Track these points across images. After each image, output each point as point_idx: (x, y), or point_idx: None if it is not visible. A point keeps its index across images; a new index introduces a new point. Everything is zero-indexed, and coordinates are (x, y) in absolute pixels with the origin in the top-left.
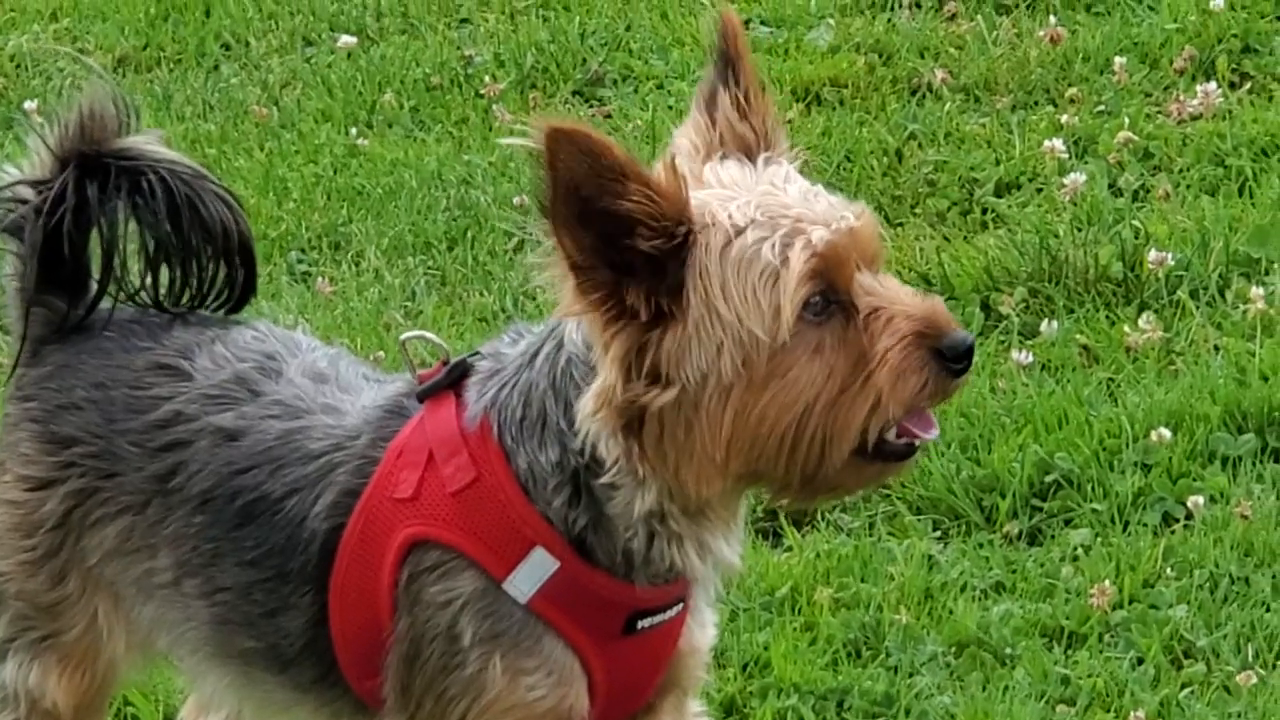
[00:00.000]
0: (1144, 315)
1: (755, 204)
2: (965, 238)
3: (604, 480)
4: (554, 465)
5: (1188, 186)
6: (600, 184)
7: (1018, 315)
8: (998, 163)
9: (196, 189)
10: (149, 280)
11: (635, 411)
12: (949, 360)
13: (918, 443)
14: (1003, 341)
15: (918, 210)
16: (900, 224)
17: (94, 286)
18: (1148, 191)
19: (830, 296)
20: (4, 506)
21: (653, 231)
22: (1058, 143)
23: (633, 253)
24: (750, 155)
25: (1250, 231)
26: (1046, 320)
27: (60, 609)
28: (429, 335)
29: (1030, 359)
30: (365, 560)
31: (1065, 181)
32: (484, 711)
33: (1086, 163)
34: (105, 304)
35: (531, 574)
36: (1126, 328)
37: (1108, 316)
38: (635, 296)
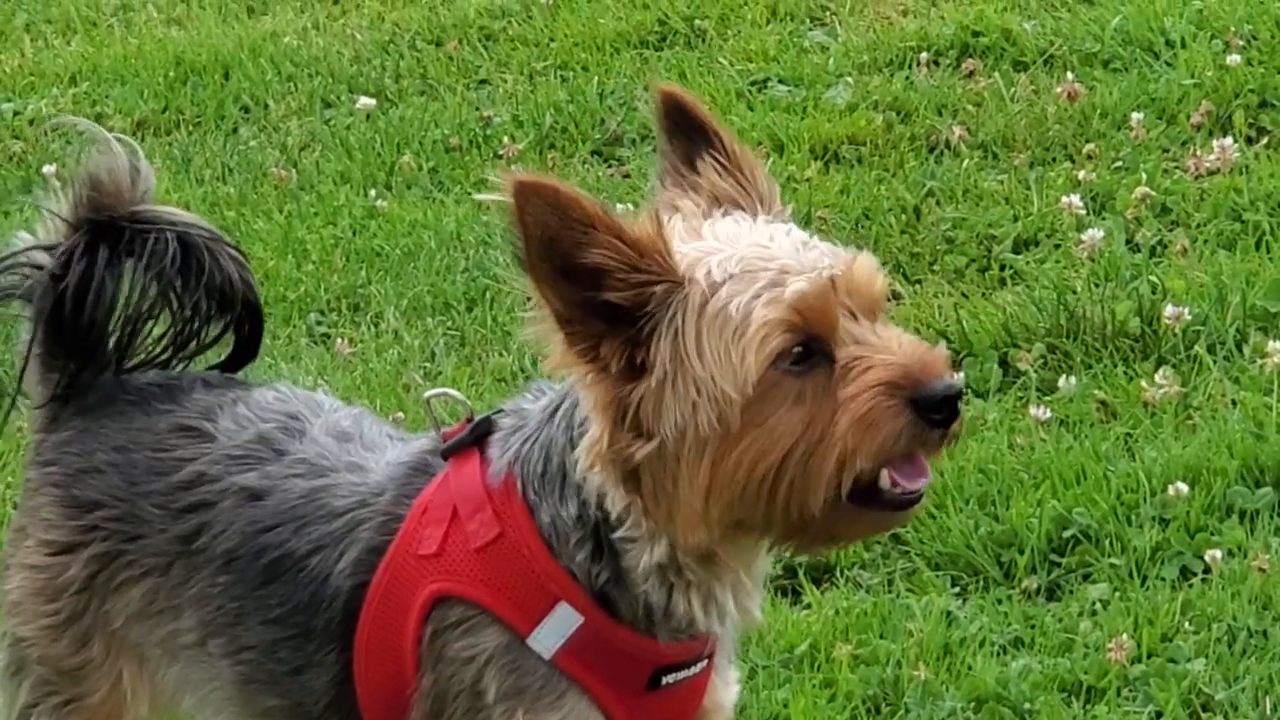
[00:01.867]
0: (1161, 370)
1: (738, 258)
2: (983, 294)
3: (619, 534)
4: (574, 520)
5: (1205, 242)
6: (571, 236)
7: (1036, 371)
8: (1016, 219)
9: (211, 251)
10: (138, 340)
11: (626, 464)
12: (925, 410)
13: (912, 492)
14: (1021, 398)
15: (936, 267)
16: (918, 281)
17: (103, 350)
18: (1165, 247)
19: (813, 346)
20: (26, 572)
21: (625, 284)
22: (1075, 199)
23: (610, 305)
24: (748, 211)
25: (1267, 286)
26: (1064, 376)
27: (84, 673)
28: (452, 393)
29: (1048, 415)
30: (389, 617)
31: (1083, 238)
32: None
33: (1104, 219)
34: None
35: (556, 629)
36: (1144, 383)
37: (1125, 372)
38: (610, 349)
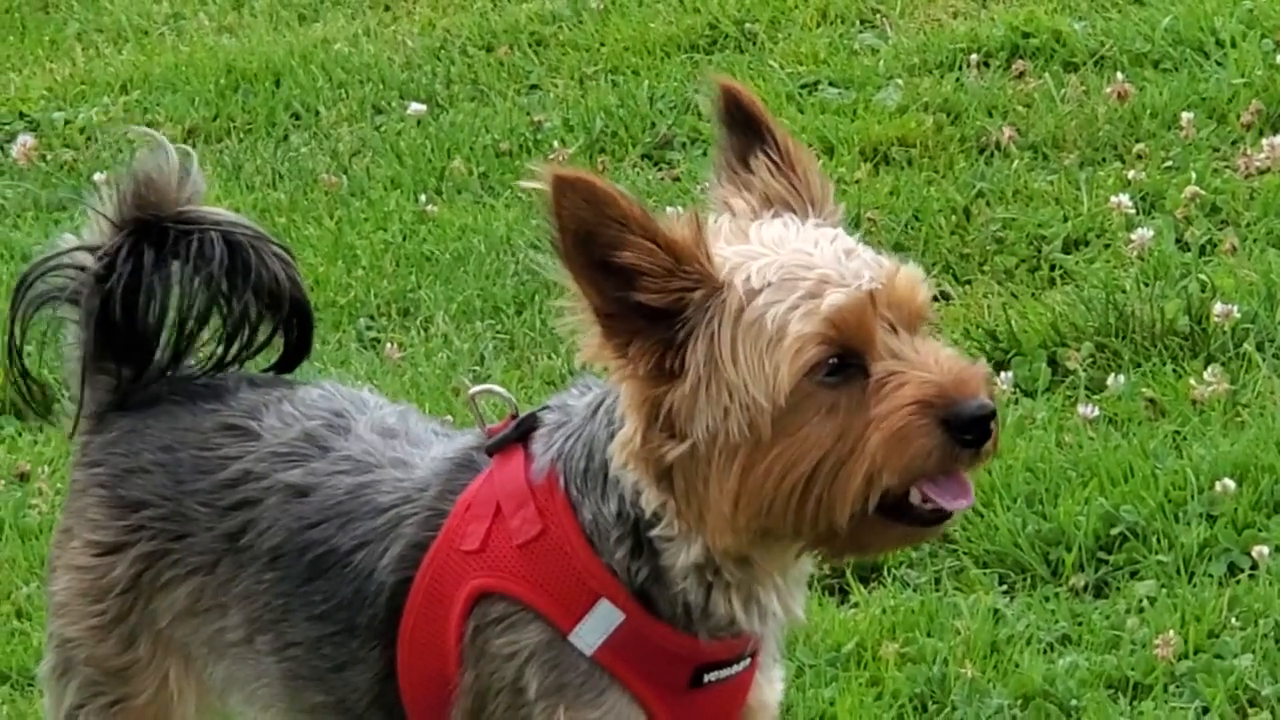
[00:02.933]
0: (1210, 368)
1: (779, 265)
2: (1033, 294)
3: (656, 532)
4: (615, 517)
5: (1254, 240)
6: (606, 233)
7: (1084, 370)
8: (1065, 219)
9: (256, 250)
10: (192, 344)
11: (658, 463)
12: (957, 430)
13: (946, 510)
14: (1069, 396)
15: (986, 268)
16: (968, 282)
17: (153, 352)
18: (1214, 245)
19: (849, 359)
20: (73, 573)
21: (660, 287)
22: (1125, 198)
23: (644, 305)
24: (798, 213)
25: None
26: (1113, 375)
27: (130, 673)
28: (497, 389)
29: (1096, 413)
30: (432, 613)
31: (1132, 237)
32: None
33: (1154, 218)
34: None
35: (597, 626)
36: (1192, 380)
37: (1174, 370)
38: (640, 348)
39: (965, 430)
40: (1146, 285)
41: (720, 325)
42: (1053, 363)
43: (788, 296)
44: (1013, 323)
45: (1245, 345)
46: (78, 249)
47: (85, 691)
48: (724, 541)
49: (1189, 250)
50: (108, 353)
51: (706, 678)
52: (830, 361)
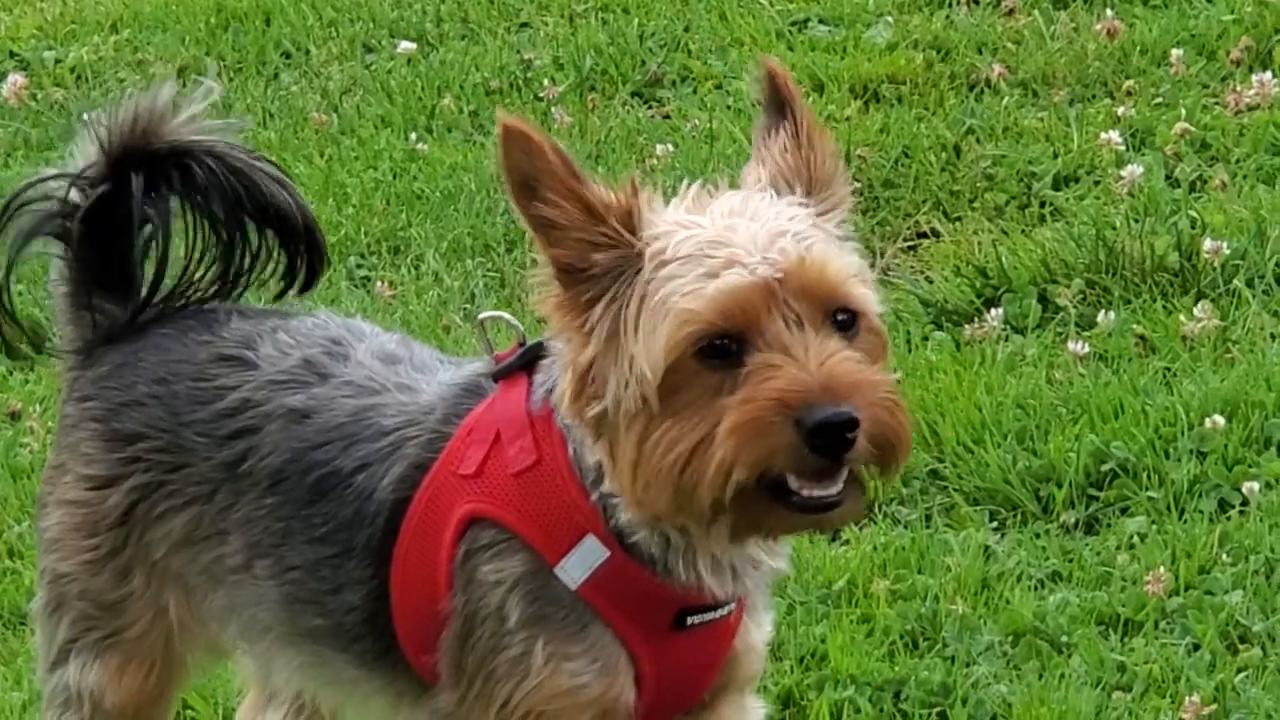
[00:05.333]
0: (1200, 304)
1: (696, 240)
2: (1023, 231)
3: (605, 486)
4: (591, 459)
5: (1244, 176)
6: (538, 186)
7: (1075, 307)
8: (1055, 156)
9: (252, 172)
10: (201, 273)
11: (586, 420)
12: (807, 433)
13: (819, 498)
14: (1060, 333)
15: (976, 205)
16: (958, 218)
17: (144, 286)
18: (1204, 182)
19: (734, 344)
20: (66, 508)
21: (571, 241)
22: (1115, 135)
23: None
24: (796, 190)
25: None
26: (1103, 311)
27: (124, 606)
28: (506, 317)
29: (1087, 350)
30: (427, 533)
31: (1122, 173)
32: (528, 695)
33: (1144, 154)
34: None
35: (582, 561)
36: (1183, 317)
37: (1164, 306)
38: (565, 304)
39: (815, 434)
40: (1136, 222)
41: (630, 293)
42: (1043, 299)
43: (690, 272)
44: (1003, 259)
45: (1235, 281)
46: (57, 176)
47: (79, 626)
48: (634, 508)
49: (1179, 186)
50: (97, 289)
51: (690, 620)
52: (717, 343)
